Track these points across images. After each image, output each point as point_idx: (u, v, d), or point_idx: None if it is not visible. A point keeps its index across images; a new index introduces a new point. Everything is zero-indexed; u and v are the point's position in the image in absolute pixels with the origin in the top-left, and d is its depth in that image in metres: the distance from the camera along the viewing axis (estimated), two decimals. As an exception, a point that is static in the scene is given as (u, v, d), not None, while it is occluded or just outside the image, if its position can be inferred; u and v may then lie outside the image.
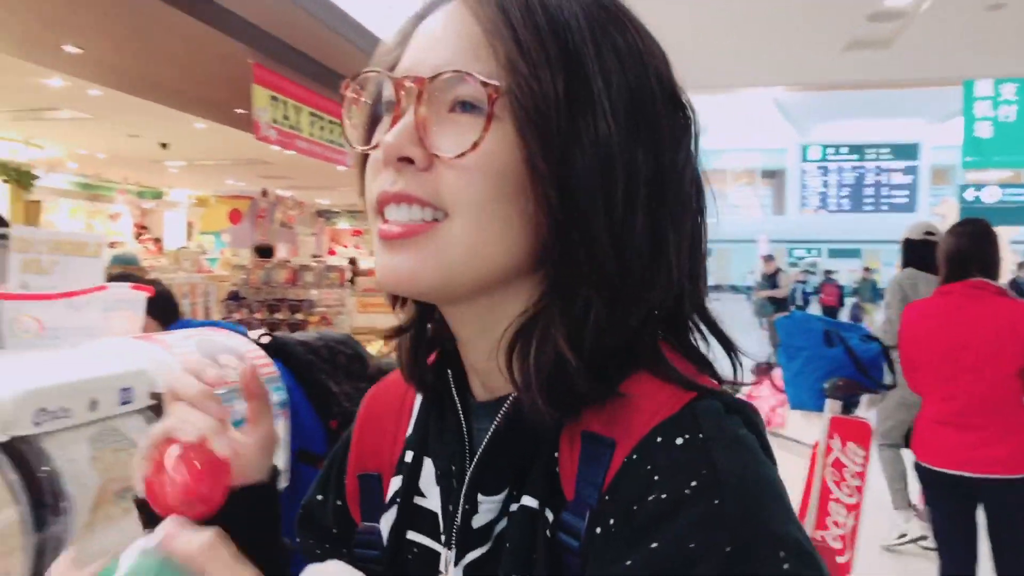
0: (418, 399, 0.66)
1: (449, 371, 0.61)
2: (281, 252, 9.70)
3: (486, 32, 0.50)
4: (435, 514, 0.60)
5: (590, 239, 0.49)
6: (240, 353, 1.29)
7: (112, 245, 9.85)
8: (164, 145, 11.15)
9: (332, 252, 16.10)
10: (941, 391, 2.60)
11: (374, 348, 2.05)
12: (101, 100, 8.09)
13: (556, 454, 0.52)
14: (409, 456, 0.63)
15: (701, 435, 0.46)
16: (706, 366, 0.56)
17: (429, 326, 0.63)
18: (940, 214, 11.69)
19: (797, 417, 2.69)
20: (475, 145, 0.49)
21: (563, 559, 0.50)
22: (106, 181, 14.95)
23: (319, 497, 0.72)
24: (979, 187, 10.02)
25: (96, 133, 10.43)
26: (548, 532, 0.51)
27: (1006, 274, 9.57)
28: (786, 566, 0.42)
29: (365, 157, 0.56)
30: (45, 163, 12.65)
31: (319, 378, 1.44)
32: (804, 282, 17.86)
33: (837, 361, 2.55)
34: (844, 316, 15.19)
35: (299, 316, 6.76)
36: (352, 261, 11.09)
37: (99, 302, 1.33)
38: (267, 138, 5.86)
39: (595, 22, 0.51)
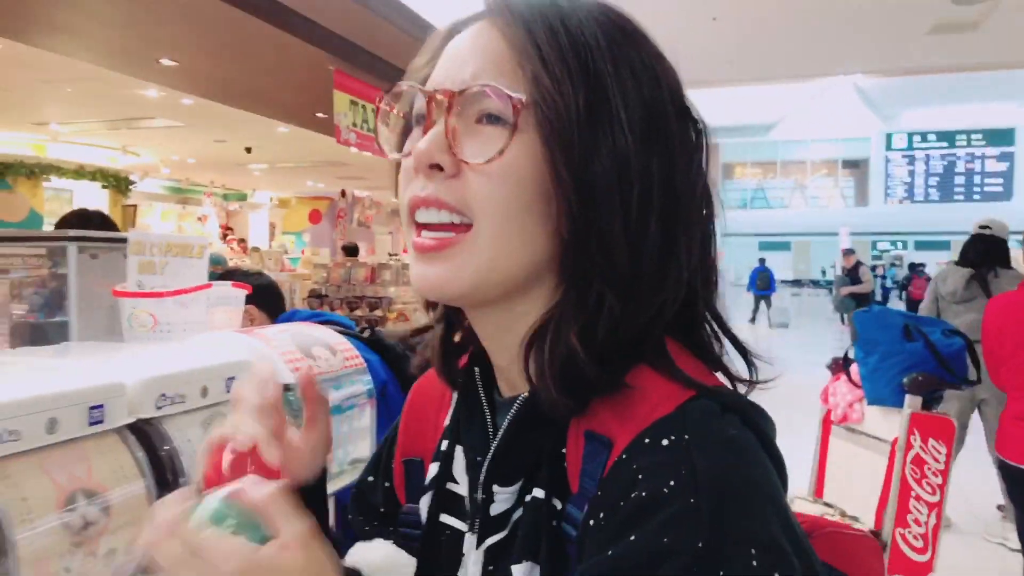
0: (455, 392, 0.71)
1: (476, 369, 0.65)
2: (359, 251, 9.99)
3: (513, 49, 0.54)
4: (464, 499, 0.64)
5: (607, 241, 0.53)
6: (331, 345, 1.39)
7: (202, 246, 10.29)
8: (248, 149, 11.60)
9: (406, 251, 16.35)
10: (1028, 387, 2.51)
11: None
12: (193, 108, 8.54)
13: (563, 450, 0.56)
14: (445, 444, 0.68)
15: (686, 436, 0.49)
16: (718, 365, 0.59)
17: (458, 331, 0.68)
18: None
19: (875, 413, 2.63)
20: (501, 152, 0.53)
21: (564, 547, 0.54)
22: (195, 185, 15.60)
23: (370, 479, 0.77)
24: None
25: (187, 139, 10.96)
26: (555, 521, 0.55)
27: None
28: (755, 563, 0.44)
29: (399, 165, 0.60)
30: (140, 169, 13.36)
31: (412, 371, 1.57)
32: (883, 276, 17.09)
33: (917, 356, 2.48)
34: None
35: (378, 313, 6.95)
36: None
37: (204, 299, 1.45)
38: (348, 142, 6.03)
39: (613, 42, 0.55)
